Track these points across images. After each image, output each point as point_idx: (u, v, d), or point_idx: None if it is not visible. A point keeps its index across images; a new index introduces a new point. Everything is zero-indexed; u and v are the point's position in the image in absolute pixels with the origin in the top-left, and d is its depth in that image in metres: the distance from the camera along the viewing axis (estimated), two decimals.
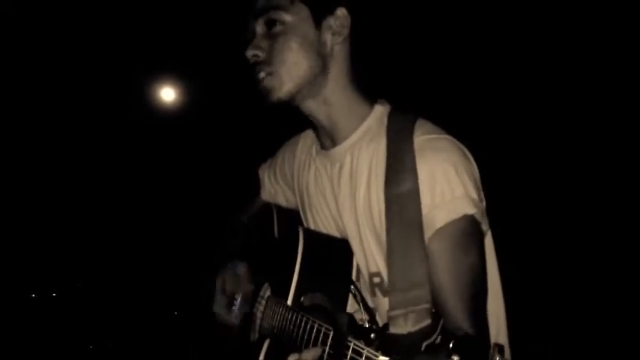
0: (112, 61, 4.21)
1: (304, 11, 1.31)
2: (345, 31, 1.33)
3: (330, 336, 1.07)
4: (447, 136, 1.28)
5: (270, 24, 1.31)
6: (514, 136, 4.17)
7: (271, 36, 1.32)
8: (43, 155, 4.34)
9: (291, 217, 1.60)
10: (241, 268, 1.64)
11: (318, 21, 1.31)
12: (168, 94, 4.77)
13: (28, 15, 3.92)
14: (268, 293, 1.50)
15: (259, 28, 1.34)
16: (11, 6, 3.76)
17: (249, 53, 1.34)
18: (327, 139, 1.43)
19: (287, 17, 1.30)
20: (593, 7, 3.72)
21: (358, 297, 1.13)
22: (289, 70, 1.31)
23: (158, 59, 4.35)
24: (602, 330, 3.64)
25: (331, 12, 1.32)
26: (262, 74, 1.33)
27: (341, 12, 1.32)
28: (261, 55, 1.33)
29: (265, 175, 1.79)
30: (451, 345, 0.81)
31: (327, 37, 1.32)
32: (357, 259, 1.36)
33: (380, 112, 1.37)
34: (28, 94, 4.20)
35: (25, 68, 4.09)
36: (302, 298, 1.15)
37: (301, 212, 1.58)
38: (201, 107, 4.53)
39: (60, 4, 3.89)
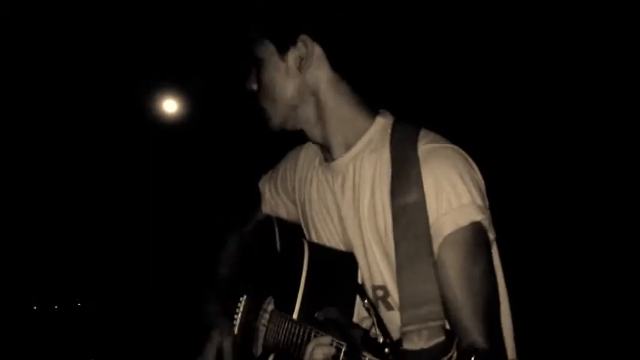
0: (115, 73, 4.22)
1: (270, 46, 1.35)
2: (312, 58, 1.33)
3: (343, 350, 1.06)
4: (452, 145, 1.29)
5: (254, 61, 1.40)
6: (516, 145, 4.16)
7: (256, 72, 1.41)
8: (46, 166, 4.35)
9: (293, 230, 1.60)
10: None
11: (282, 53, 1.34)
12: (170, 105, 4.78)
13: (32, 27, 3.94)
14: (272, 307, 1.49)
15: (253, 62, 1.42)
16: (12, 14, 3.78)
17: (247, 87, 1.45)
18: (328, 153, 1.44)
19: (259, 54, 1.37)
20: (593, 7, 3.72)
21: (372, 311, 1.11)
22: (271, 105, 1.39)
23: (161, 70, 4.37)
24: (604, 338, 3.62)
25: (293, 43, 1.33)
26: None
27: (302, 41, 1.32)
28: (255, 87, 1.42)
29: (266, 187, 1.78)
30: (473, 359, 0.81)
31: (294, 67, 1.34)
32: (361, 272, 1.35)
33: (382, 123, 1.38)
34: (32, 107, 4.22)
35: (29, 81, 4.11)
36: (316, 314, 1.13)
37: (303, 225, 1.58)
38: (204, 119, 4.54)
39: (62, 15, 3.91)
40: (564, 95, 4.08)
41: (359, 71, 1.40)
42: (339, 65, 1.35)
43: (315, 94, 1.36)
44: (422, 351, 0.98)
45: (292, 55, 1.33)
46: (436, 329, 1.04)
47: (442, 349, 0.92)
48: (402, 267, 1.16)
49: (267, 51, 1.35)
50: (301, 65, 1.33)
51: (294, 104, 1.37)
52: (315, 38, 1.32)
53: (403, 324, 1.09)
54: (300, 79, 1.35)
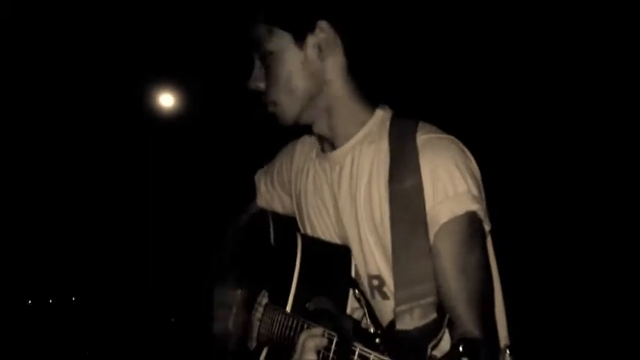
0: (111, 67, 4.21)
1: (284, 37, 1.31)
2: (331, 44, 1.32)
3: (334, 341, 1.06)
4: (450, 136, 1.30)
5: (262, 56, 1.35)
6: (512, 139, 4.16)
7: (266, 67, 1.35)
8: (43, 162, 4.34)
9: (288, 224, 1.60)
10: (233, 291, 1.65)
11: (300, 42, 1.31)
12: (167, 100, 4.77)
13: (29, 25, 3.93)
14: (266, 300, 1.48)
15: (257, 59, 1.37)
16: (11, 10, 3.77)
17: (250, 86, 1.39)
18: (327, 143, 1.44)
19: (271, 47, 1.32)
20: (593, 7, 3.71)
21: (362, 301, 1.12)
22: (286, 98, 1.34)
23: (157, 65, 4.36)
24: (600, 331, 3.63)
25: (311, 29, 1.30)
26: (266, 102, 1.37)
27: (322, 27, 1.30)
28: (261, 85, 1.37)
29: (261, 181, 1.78)
30: (461, 349, 0.81)
31: (314, 55, 1.31)
32: (357, 262, 1.35)
33: (381, 116, 1.38)
34: (28, 104, 4.21)
35: (26, 78, 4.10)
36: (307, 304, 1.14)
37: (298, 218, 1.58)
38: (200, 113, 4.53)
39: (60, 10, 3.90)
40: (559, 88, 4.09)
41: (370, 61, 1.40)
42: (354, 53, 1.34)
43: (328, 82, 1.34)
44: (414, 330, 0.98)
45: (311, 42, 1.31)
46: (428, 307, 1.05)
47: (434, 327, 0.93)
48: (397, 247, 1.17)
49: (282, 42, 1.31)
50: (321, 53, 1.31)
51: (312, 94, 1.34)
52: (333, 23, 1.31)
53: (396, 304, 1.10)
54: (319, 67, 1.32)
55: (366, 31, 1.35)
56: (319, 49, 1.31)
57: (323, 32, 1.30)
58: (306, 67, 1.32)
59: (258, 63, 1.37)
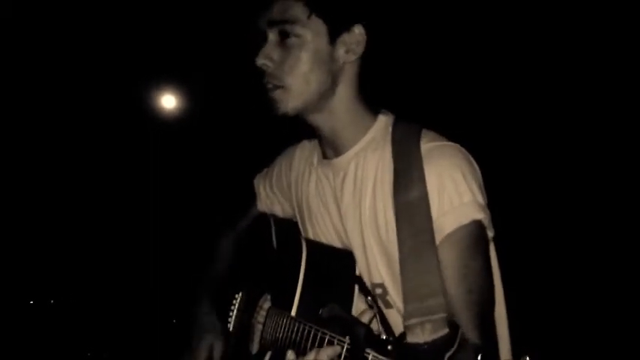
0: (113, 68, 4.21)
1: (320, 26, 1.28)
2: (360, 50, 1.31)
3: (345, 347, 1.06)
4: (453, 144, 1.29)
5: (284, 34, 1.29)
6: (512, 144, 4.17)
7: (284, 47, 1.29)
8: (44, 163, 4.34)
9: (289, 228, 1.59)
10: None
11: (333, 37, 1.29)
12: (169, 101, 4.77)
13: (29, 25, 3.93)
14: (268, 304, 1.48)
15: (272, 35, 1.31)
16: (11, 11, 3.77)
17: (259, 62, 1.31)
18: (330, 149, 1.42)
19: (302, 31, 1.26)
20: (593, 7, 3.71)
21: (375, 308, 1.13)
22: (298, 86, 1.29)
23: (159, 66, 4.36)
24: (601, 336, 3.63)
25: (348, 29, 1.30)
26: (270, 85, 1.31)
27: (358, 30, 1.30)
28: (271, 65, 1.30)
29: (261, 185, 1.77)
30: (479, 358, 0.81)
31: (340, 54, 1.31)
32: (360, 270, 1.35)
33: (384, 122, 1.38)
34: (29, 105, 4.21)
35: (27, 79, 4.10)
36: (321, 311, 1.11)
37: (300, 222, 1.57)
38: (202, 114, 4.54)
39: (61, 12, 3.90)
40: (558, 94, 4.09)
41: (379, 72, 1.39)
42: (370, 63, 1.33)
43: (340, 84, 1.33)
44: (425, 344, 0.97)
45: (343, 41, 1.30)
46: (439, 322, 1.05)
47: (446, 341, 0.91)
48: (406, 260, 1.16)
49: (316, 30, 1.28)
50: (346, 55, 1.30)
51: (323, 92, 1.31)
52: (367, 30, 1.30)
53: (406, 317, 1.10)
54: (339, 67, 1.31)
55: (388, 41, 1.35)
56: (346, 50, 1.30)
57: (357, 36, 1.30)
58: (328, 63, 1.29)
59: (273, 39, 1.31)
